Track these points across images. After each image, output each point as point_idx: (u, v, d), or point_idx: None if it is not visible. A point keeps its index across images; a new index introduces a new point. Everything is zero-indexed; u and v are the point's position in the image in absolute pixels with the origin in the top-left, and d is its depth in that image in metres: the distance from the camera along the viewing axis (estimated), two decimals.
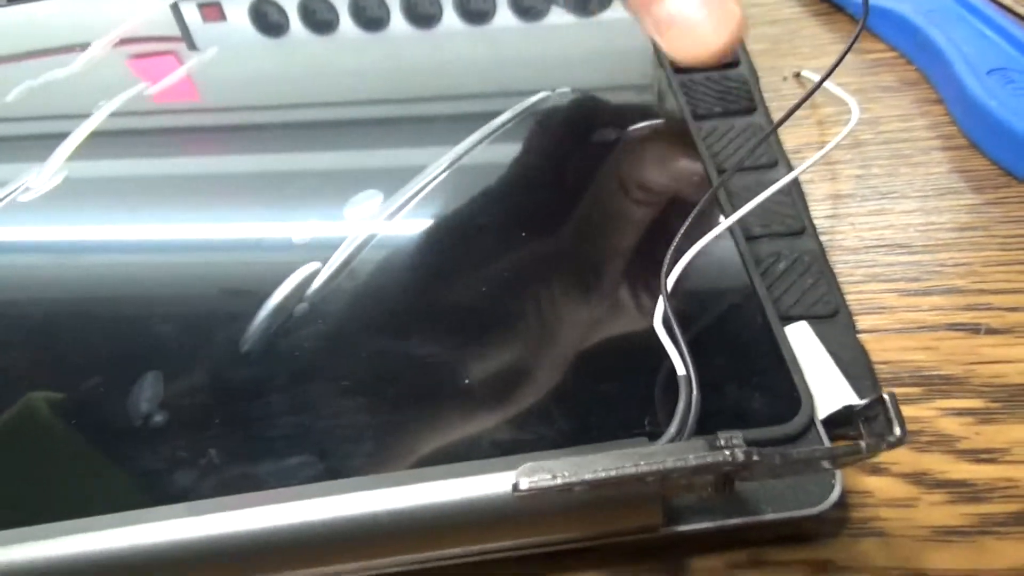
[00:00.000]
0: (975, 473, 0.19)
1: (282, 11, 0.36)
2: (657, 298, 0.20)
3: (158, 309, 0.24)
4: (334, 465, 0.19)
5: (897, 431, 0.15)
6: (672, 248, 0.20)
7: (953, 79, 0.28)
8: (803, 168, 0.24)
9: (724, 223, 0.21)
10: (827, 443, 0.18)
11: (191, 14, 0.38)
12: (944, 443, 0.19)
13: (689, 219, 0.21)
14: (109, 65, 0.36)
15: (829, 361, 0.20)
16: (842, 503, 0.18)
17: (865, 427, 0.17)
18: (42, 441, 0.20)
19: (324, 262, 0.24)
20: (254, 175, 0.29)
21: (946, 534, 0.18)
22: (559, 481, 0.14)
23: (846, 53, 0.25)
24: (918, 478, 0.19)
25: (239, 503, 0.16)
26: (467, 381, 0.20)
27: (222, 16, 0.38)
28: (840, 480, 0.17)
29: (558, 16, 0.35)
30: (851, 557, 0.18)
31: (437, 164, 0.27)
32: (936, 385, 0.20)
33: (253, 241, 0.26)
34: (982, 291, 0.22)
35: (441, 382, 0.21)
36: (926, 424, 0.20)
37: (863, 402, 0.19)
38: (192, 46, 0.36)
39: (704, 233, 0.21)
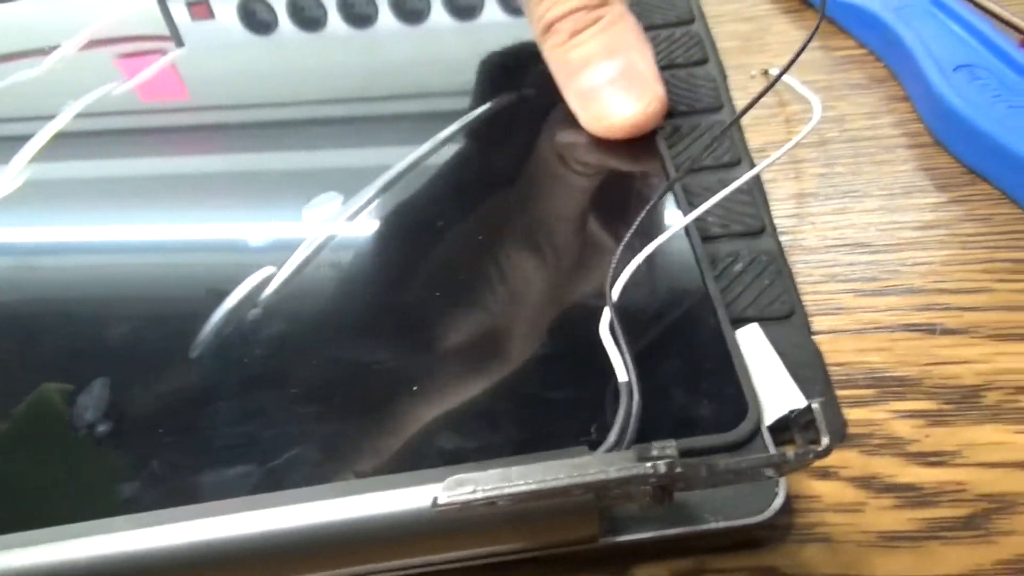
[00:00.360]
0: (924, 476, 0.18)
1: (270, 9, 0.36)
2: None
3: (110, 313, 0.24)
4: (277, 475, 0.19)
5: (824, 441, 0.14)
6: (619, 252, 0.20)
7: (919, 76, 0.27)
8: (761, 167, 0.24)
9: (674, 226, 0.21)
10: (772, 450, 0.18)
11: (180, 13, 0.37)
12: (894, 446, 0.19)
13: (636, 223, 0.21)
14: (78, 66, 0.36)
15: (779, 365, 0.20)
16: (788, 509, 0.18)
17: (800, 435, 0.16)
18: None
19: (280, 266, 0.24)
20: (214, 176, 0.29)
21: (892, 539, 0.17)
22: (479, 495, 0.13)
23: (803, 48, 0.25)
24: (866, 482, 0.18)
25: (150, 520, 0.15)
26: (415, 388, 0.20)
27: (210, 14, 0.38)
28: (784, 488, 0.17)
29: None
30: (796, 564, 0.17)
31: (396, 166, 0.27)
32: (889, 387, 0.20)
33: (209, 244, 0.26)
34: (940, 291, 0.22)
35: (389, 390, 0.20)
36: (877, 427, 0.19)
37: (812, 405, 0.19)
38: (180, 43, 0.36)
39: (659, 234, 0.21)
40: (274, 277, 0.24)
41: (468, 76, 0.31)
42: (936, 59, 0.27)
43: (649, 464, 0.14)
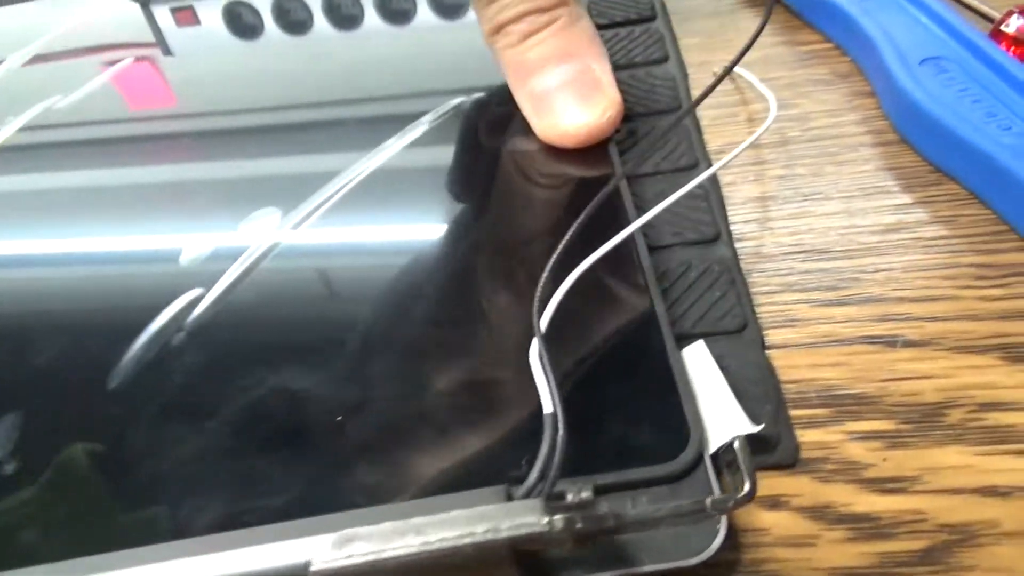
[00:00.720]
0: (881, 505, 0.17)
1: (255, 13, 0.35)
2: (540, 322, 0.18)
3: (24, 339, 0.22)
4: (187, 518, 0.18)
5: (746, 487, 0.13)
6: (547, 270, 0.18)
7: (883, 70, 0.26)
8: (713, 170, 0.23)
9: (615, 237, 0.20)
10: (714, 480, 0.16)
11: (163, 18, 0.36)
12: (850, 471, 0.18)
13: (568, 235, 0.19)
14: (22, 80, 0.35)
15: (725, 386, 0.18)
16: (735, 544, 0.17)
17: (728, 473, 0.15)
18: None
19: (209, 287, 0.23)
20: (147, 188, 0.28)
21: None
22: (356, 560, 0.12)
23: (752, 41, 0.23)
24: (819, 512, 0.17)
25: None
26: (339, 419, 0.19)
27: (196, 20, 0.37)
28: (724, 527, 0.16)
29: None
30: None
31: (338, 179, 0.25)
32: (846, 405, 0.19)
33: (136, 261, 0.25)
34: (901, 299, 0.21)
35: (312, 420, 0.19)
36: (832, 450, 0.18)
37: (758, 429, 0.17)
38: (167, 51, 0.35)
39: (600, 245, 0.20)
40: (202, 299, 0.22)
41: (430, 80, 0.30)
42: (901, 52, 0.26)
43: (546, 521, 0.12)
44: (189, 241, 0.24)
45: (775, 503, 0.17)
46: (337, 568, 0.12)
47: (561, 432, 0.15)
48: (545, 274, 0.18)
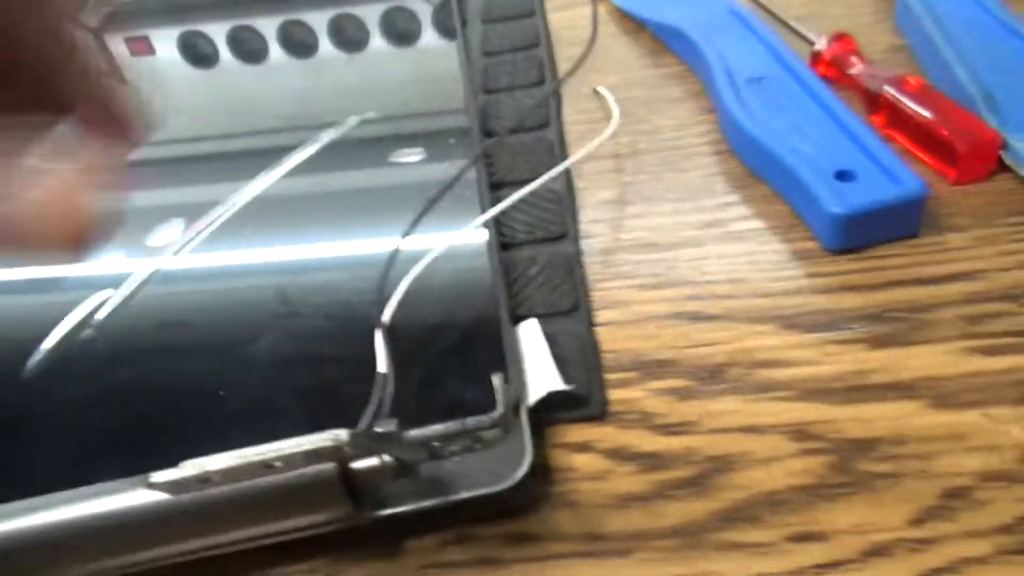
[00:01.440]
0: (664, 445, 0.21)
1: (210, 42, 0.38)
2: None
3: None
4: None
5: (499, 409, 0.17)
6: (390, 254, 0.22)
7: (716, 91, 0.30)
8: (554, 173, 0.27)
9: (462, 231, 0.24)
10: (527, 429, 0.20)
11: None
12: (645, 420, 0.22)
13: (414, 223, 0.23)
14: None
15: (548, 355, 0.22)
16: (548, 480, 0.21)
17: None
18: None
19: (116, 289, 0.27)
20: None
21: (628, 500, 0.20)
22: (186, 473, 0.16)
23: (585, 55, 0.27)
24: (616, 453, 0.21)
25: None
26: (221, 393, 0.22)
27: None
28: (529, 458, 0.20)
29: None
30: (544, 527, 0.20)
31: (231, 199, 0.29)
32: (650, 369, 0.23)
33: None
34: (708, 282, 0.25)
35: (196, 397, 0.23)
36: (634, 404, 0.22)
37: (569, 388, 0.21)
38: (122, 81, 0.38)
39: (451, 238, 0.24)
40: (109, 300, 0.26)
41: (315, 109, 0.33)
42: (731, 73, 0.30)
43: (341, 436, 0.16)
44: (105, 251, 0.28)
45: (583, 448, 0.21)
46: (171, 479, 0.16)
47: (389, 388, 0.19)
48: (388, 257, 0.22)
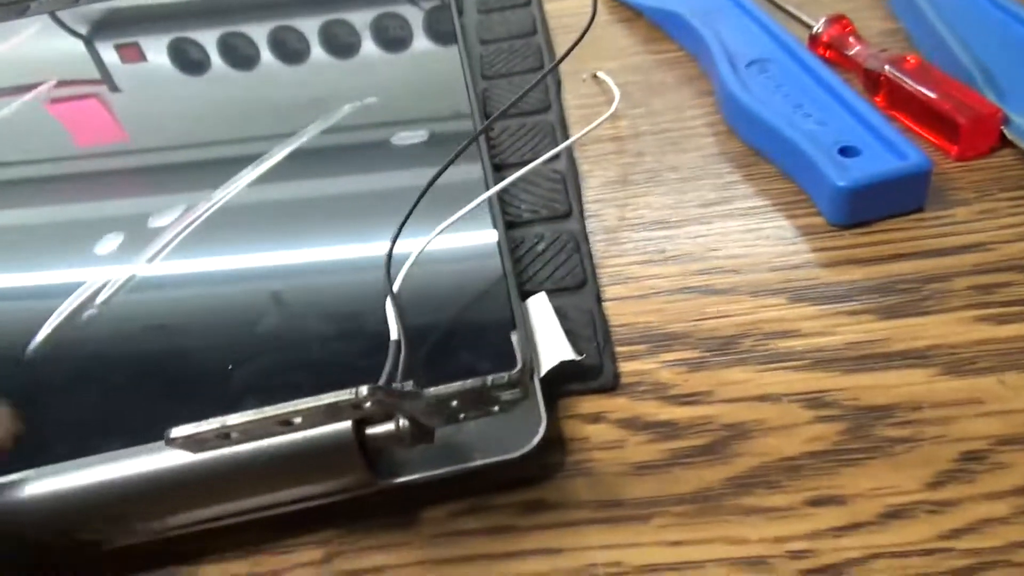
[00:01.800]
0: (678, 414, 0.21)
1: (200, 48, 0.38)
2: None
3: None
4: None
5: (518, 363, 0.17)
6: (399, 228, 0.22)
7: (716, 72, 0.30)
8: (558, 150, 0.27)
9: (469, 204, 0.24)
10: (540, 395, 0.20)
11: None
12: (658, 391, 0.21)
13: (418, 199, 0.23)
14: None
15: (557, 325, 0.22)
16: (562, 450, 0.21)
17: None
18: None
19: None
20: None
21: (643, 468, 0.20)
22: (204, 428, 0.15)
23: (581, 37, 0.27)
24: (630, 422, 0.21)
25: None
26: (230, 367, 0.22)
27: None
28: (544, 426, 0.19)
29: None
30: (560, 495, 0.20)
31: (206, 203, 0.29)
32: (661, 341, 0.23)
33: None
34: (715, 257, 0.25)
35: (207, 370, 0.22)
36: (646, 375, 0.22)
37: (580, 357, 0.21)
38: (114, 88, 0.38)
39: (457, 211, 0.24)
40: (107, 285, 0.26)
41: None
42: (731, 56, 0.30)
43: (358, 392, 0.16)
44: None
45: (596, 418, 0.21)
46: (190, 434, 0.16)
47: (403, 352, 0.19)
48: (396, 231, 0.22)
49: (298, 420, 0.16)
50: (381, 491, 0.19)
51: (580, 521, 0.19)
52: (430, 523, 0.20)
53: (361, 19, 0.38)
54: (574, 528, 0.19)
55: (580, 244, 0.26)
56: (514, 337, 0.18)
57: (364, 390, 0.15)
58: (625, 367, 0.22)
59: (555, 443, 0.21)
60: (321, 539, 0.19)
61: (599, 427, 0.21)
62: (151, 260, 0.26)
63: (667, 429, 0.20)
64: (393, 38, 0.37)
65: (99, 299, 0.25)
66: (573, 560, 0.18)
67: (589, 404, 0.21)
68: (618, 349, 0.23)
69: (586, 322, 0.23)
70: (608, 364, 0.22)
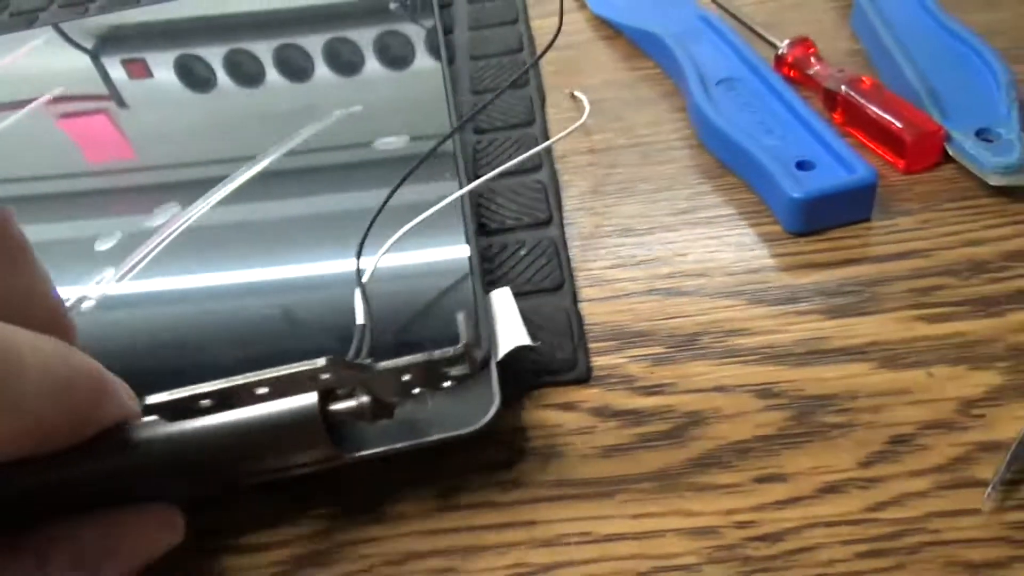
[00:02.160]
0: (643, 403, 0.23)
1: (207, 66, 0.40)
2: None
3: None
4: None
5: (462, 341, 0.19)
6: (371, 221, 0.25)
7: (688, 89, 0.33)
8: (528, 155, 0.29)
9: (441, 201, 0.26)
10: (495, 378, 0.22)
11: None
12: (626, 382, 0.24)
13: (390, 193, 0.26)
14: None
15: (517, 315, 0.24)
16: (536, 435, 0.23)
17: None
18: None
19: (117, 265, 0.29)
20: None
21: (611, 451, 0.22)
22: (177, 395, 0.18)
23: (549, 47, 0.30)
24: (600, 410, 0.23)
25: None
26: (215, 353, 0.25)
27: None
28: (497, 404, 0.21)
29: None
30: (534, 475, 0.22)
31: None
32: (629, 339, 0.25)
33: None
34: (681, 262, 0.27)
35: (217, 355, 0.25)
36: (615, 369, 0.24)
37: (536, 344, 0.23)
38: (121, 103, 0.40)
39: (430, 207, 0.26)
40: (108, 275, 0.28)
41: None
42: (702, 75, 0.33)
43: (318, 363, 0.18)
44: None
45: (570, 407, 0.24)
46: (165, 400, 0.18)
47: (367, 336, 0.21)
48: (368, 225, 0.25)
49: (264, 390, 0.18)
50: (358, 466, 0.21)
51: (554, 497, 0.21)
52: (421, 500, 0.22)
53: (362, 37, 0.41)
54: (548, 503, 0.21)
55: (559, 249, 0.28)
56: (459, 316, 0.20)
57: (321, 361, 0.18)
58: (597, 361, 0.25)
59: (533, 428, 0.23)
60: (317, 514, 0.22)
61: (573, 415, 0.23)
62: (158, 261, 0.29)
63: (633, 416, 0.23)
64: (390, 56, 0.40)
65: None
66: (548, 531, 0.21)
67: (564, 394, 0.24)
68: (591, 345, 0.25)
69: (563, 320, 0.26)
70: (582, 358, 0.25)
